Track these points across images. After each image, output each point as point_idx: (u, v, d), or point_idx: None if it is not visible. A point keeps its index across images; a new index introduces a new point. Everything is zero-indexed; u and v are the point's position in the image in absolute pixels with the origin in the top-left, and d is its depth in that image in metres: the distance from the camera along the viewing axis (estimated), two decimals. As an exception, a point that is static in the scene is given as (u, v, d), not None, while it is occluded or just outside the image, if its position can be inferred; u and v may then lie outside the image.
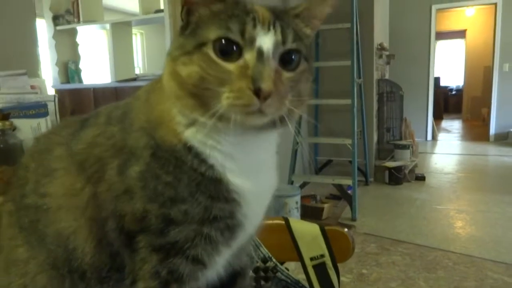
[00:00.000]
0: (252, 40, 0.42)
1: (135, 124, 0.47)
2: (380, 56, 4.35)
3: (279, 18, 0.45)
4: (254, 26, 0.42)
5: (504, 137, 6.15)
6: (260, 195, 0.49)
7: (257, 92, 0.40)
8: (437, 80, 8.27)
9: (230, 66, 0.42)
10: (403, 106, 4.78)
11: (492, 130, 6.37)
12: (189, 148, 0.45)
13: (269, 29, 0.43)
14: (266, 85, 0.40)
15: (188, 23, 0.46)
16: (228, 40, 0.42)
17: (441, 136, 7.14)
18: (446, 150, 5.92)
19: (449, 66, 10.52)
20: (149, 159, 0.45)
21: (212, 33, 0.42)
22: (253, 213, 0.49)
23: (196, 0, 0.45)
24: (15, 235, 0.54)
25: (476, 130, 7.50)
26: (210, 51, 0.42)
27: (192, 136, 0.45)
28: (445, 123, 8.98)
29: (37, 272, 0.51)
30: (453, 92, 10.70)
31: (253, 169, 0.48)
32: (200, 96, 0.43)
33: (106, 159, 0.47)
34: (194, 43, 0.43)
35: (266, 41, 0.42)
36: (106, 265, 0.48)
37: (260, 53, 0.42)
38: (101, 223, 0.47)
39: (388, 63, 4.88)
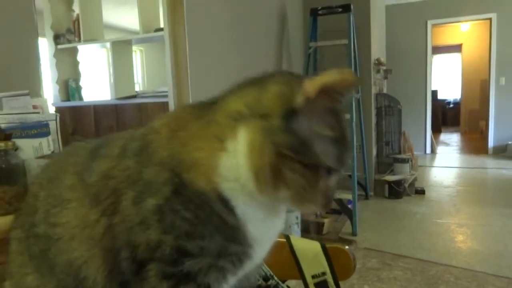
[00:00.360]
0: (341, 168, 0.47)
1: (154, 158, 0.47)
2: (378, 71, 4.40)
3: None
4: (347, 156, 0.47)
5: (503, 150, 6.17)
6: (272, 235, 0.52)
7: (323, 206, 0.47)
8: (434, 93, 8.33)
9: (322, 183, 0.46)
10: (402, 120, 4.81)
11: (491, 143, 6.40)
12: (220, 197, 0.45)
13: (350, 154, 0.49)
14: (331, 204, 0.47)
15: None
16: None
17: (440, 149, 7.15)
18: (445, 163, 5.92)
19: (446, 79, 10.62)
20: (169, 194, 0.45)
21: (328, 161, 0.45)
22: (264, 249, 0.51)
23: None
24: (24, 263, 0.54)
25: (475, 143, 7.53)
26: (321, 172, 0.45)
27: (229, 190, 0.45)
28: (443, 136, 9.01)
29: None
30: (451, 105, 10.77)
31: (272, 219, 0.50)
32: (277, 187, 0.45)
33: (121, 190, 0.47)
34: (310, 161, 0.44)
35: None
36: None
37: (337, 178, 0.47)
38: (115, 253, 0.47)
39: (385, 77, 4.93)
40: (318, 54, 3.74)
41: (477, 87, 8.55)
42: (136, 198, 0.46)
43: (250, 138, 0.44)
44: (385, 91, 4.98)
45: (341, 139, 0.46)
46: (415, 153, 4.84)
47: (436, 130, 8.42)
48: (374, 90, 4.17)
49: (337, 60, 3.66)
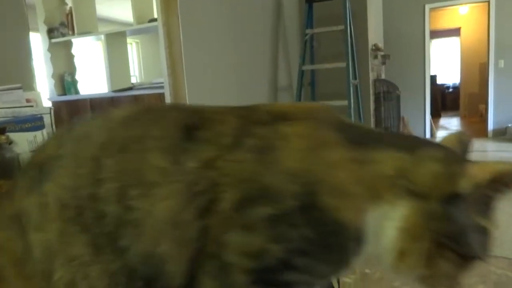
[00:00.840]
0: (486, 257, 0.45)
1: (282, 165, 0.41)
2: (375, 57, 4.37)
3: None
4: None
5: (503, 133, 6.15)
6: None
7: None
8: (433, 78, 8.28)
9: (464, 270, 0.45)
10: (400, 105, 4.79)
11: (490, 126, 6.38)
12: (357, 237, 0.42)
13: None
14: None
15: None
16: None
17: (439, 133, 7.13)
18: (445, 147, 5.92)
19: (445, 64, 10.55)
20: (293, 209, 0.41)
21: (480, 252, 0.44)
22: None
23: None
24: (70, 232, 0.45)
25: (474, 127, 7.51)
26: (469, 262, 0.44)
27: (368, 237, 0.42)
28: (443, 121, 8.99)
29: (99, 277, 0.44)
30: (450, 90, 10.72)
31: None
32: None
33: (222, 186, 0.41)
34: (465, 251, 0.42)
35: None
36: None
37: None
38: (206, 254, 0.42)
39: (383, 63, 4.90)
40: (315, 41, 3.71)
41: (476, 71, 8.50)
42: (244, 200, 0.41)
43: (408, 216, 0.40)
44: (383, 76, 4.95)
45: (491, 229, 0.43)
46: (414, 138, 4.83)
47: (436, 115, 8.40)
48: (372, 76, 4.15)
49: (334, 47, 3.63)
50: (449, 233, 0.40)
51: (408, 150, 0.43)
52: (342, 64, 3.19)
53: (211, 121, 0.46)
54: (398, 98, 4.69)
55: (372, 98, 4.18)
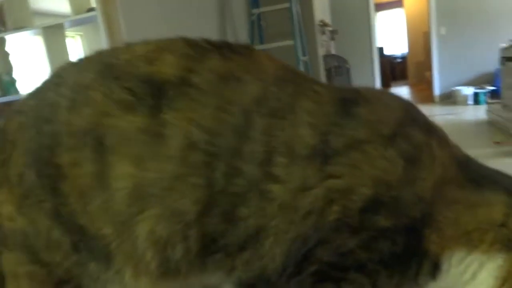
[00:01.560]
0: None
1: (418, 187, 0.41)
2: (323, 33, 4.43)
3: None
4: None
5: (448, 97, 6.48)
6: None
7: None
8: (381, 50, 8.54)
9: None
10: (351, 79, 4.92)
11: (436, 92, 6.70)
12: (436, 265, 0.43)
13: None
14: None
15: None
16: None
17: (391, 103, 7.41)
18: (397, 116, 6.17)
19: (392, 35, 10.88)
20: (401, 229, 0.41)
21: None
22: None
23: None
24: (189, 182, 0.41)
25: (422, 93, 7.85)
26: None
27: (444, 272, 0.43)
28: (394, 90, 9.31)
29: (193, 238, 0.42)
30: (399, 60, 11.10)
31: None
32: None
33: (361, 178, 0.41)
34: None
35: None
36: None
37: None
38: (302, 240, 0.41)
39: (332, 38, 4.98)
40: (262, 20, 3.70)
41: (421, 40, 8.84)
42: (373, 202, 0.40)
43: (505, 268, 0.41)
44: (333, 52, 5.05)
45: None
46: (367, 109, 4.99)
47: (386, 85, 8.70)
48: (321, 52, 4.22)
49: (282, 25, 3.65)
50: None
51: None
52: (291, 42, 3.22)
53: (371, 103, 0.44)
54: (348, 71, 4.81)
55: (323, 73, 4.26)
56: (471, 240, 0.41)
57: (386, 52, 10.50)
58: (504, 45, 4.53)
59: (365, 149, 0.41)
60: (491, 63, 5.24)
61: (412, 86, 9.49)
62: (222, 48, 0.46)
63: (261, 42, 3.65)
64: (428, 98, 6.94)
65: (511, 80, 4.28)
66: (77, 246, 0.44)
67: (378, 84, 6.80)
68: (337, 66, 4.55)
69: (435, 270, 0.43)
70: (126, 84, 0.43)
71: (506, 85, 4.45)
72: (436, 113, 5.87)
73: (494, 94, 5.60)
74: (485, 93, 5.81)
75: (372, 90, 0.48)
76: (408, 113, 0.45)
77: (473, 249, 0.41)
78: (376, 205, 0.40)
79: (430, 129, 0.46)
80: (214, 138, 0.41)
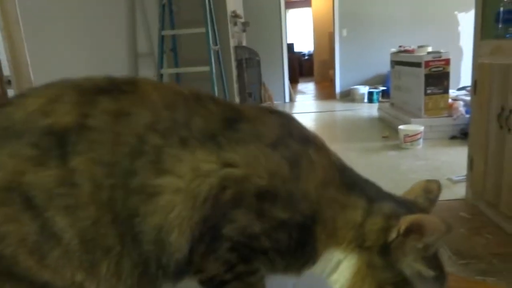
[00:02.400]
0: None
1: (304, 184, 0.47)
2: (235, 24, 4.49)
3: None
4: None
5: (347, 94, 7.05)
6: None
7: None
8: (290, 46, 8.94)
9: None
10: (261, 71, 5.08)
11: (338, 89, 7.25)
12: (319, 259, 0.51)
13: None
14: None
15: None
16: None
17: (298, 97, 7.82)
18: (303, 109, 6.53)
19: (301, 33, 11.43)
20: (297, 223, 0.47)
21: None
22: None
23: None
24: (93, 215, 0.45)
25: (326, 90, 8.43)
26: None
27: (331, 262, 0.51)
28: (300, 86, 9.84)
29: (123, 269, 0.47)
30: (306, 57, 11.72)
31: None
32: None
33: (257, 170, 0.46)
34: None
35: None
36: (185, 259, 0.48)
37: None
38: (206, 220, 0.46)
39: (244, 30, 5.07)
40: (174, 5, 3.63)
41: (326, 39, 9.45)
42: (270, 193, 0.45)
43: (356, 265, 0.47)
44: (244, 44, 5.14)
45: (439, 276, 0.47)
46: (275, 102, 5.21)
47: (294, 81, 9.14)
48: (233, 43, 4.27)
49: (194, 12, 3.61)
50: (391, 281, 0.46)
51: (370, 202, 0.50)
52: (202, 30, 3.21)
53: (252, 120, 0.51)
54: (258, 64, 4.96)
55: (234, 64, 4.33)
56: (338, 237, 0.49)
57: (296, 49, 11.01)
58: (393, 49, 5.07)
59: (257, 147, 0.48)
60: (385, 65, 5.81)
61: (317, 83, 10.10)
62: (110, 91, 0.49)
63: (172, 28, 3.57)
64: (331, 95, 7.47)
65: (398, 82, 4.82)
66: None
67: (286, 79, 7.12)
68: (248, 58, 4.66)
69: (316, 262, 0.51)
70: (29, 140, 0.44)
71: (394, 86, 5.00)
72: (337, 109, 6.37)
73: (385, 94, 6.25)
74: (378, 93, 6.45)
75: (254, 108, 0.54)
76: (284, 128, 0.51)
77: (338, 245, 0.49)
78: (272, 196, 0.46)
79: (306, 139, 0.52)
80: (113, 169, 0.45)
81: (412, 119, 4.00)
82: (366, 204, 0.50)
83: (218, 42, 3.63)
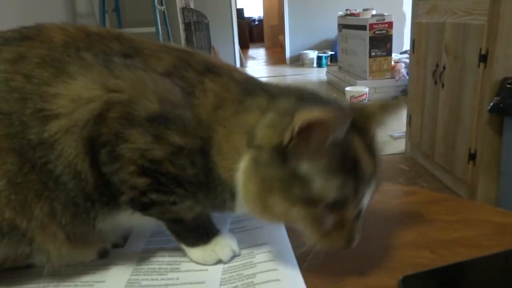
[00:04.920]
0: (360, 199, 0.44)
1: (195, 111, 0.46)
2: (181, -16, 4.33)
3: (377, 165, 0.45)
4: (364, 184, 0.43)
5: (297, 59, 7.13)
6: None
7: (347, 245, 0.45)
8: (240, 11, 8.78)
9: (330, 217, 0.44)
10: (210, 35, 4.97)
11: (288, 54, 7.30)
12: (229, 189, 0.48)
13: (370, 184, 0.44)
14: (355, 242, 0.45)
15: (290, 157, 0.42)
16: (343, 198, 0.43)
17: (249, 63, 7.78)
18: (254, 74, 6.48)
19: (250, -2, 11.23)
20: (195, 149, 0.47)
21: (330, 193, 0.42)
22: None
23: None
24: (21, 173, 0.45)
25: (276, 56, 8.45)
26: (320, 207, 0.43)
27: (237, 189, 0.48)
28: (251, 51, 9.78)
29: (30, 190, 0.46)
30: (256, 23, 11.59)
31: None
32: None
33: (147, 93, 0.46)
34: (301, 194, 0.42)
35: (366, 198, 0.45)
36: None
37: (359, 211, 0.45)
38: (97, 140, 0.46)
39: (191, -8, 4.90)
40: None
41: (276, 4, 9.37)
42: (161, 116, 0.45)
43: (245, 166, 0.45)
44: (192, 6, 4.98)
45: (350, 170, 0.42)
46: (225, 66, 5.14)
47: (245, 46, 9.06)
48: (180, 4, 4.13)
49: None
50: (279, 178, 0.43)
51: (271, 99, 0.48)
52: (146, -11, 3.07)
53: (147, 56, 0.49)
54: (207, 27, 4.84)
55: (181, 26, 4.20)
56: (235, 152, 0.46)
57: (246, 14, 10.84)
58: (341, 13, 5.16)
59: (146, 73, 0.48)
60: (333, 30, 5.91)
61: (268, 49, 10.08)
62: (14, 39, 0.49)
63: (114, -13, 3.38)
64: (281, 60, 7.50)
65: (345, 45, 4.94)
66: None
67: (236, 44, 7.03)
68: (196, 21, 4.53)
69: (233, 195, 0.49)
70: None
71: (341, 49, 5.11)
72: (287, 74, 6.42)
73: (333, 58, 6.39)
74: (326, 57, 6.57)
75: (157, 45, 0.53)
76: (182, 61, 0.51)
77: (237, 162, 0.47)
78: (165, 120, 0.45)
79: (206, 69, 0.51)
80: (11, 120, 0.45)
81: (358, 81, 4.15)
82: (265, 104, 0.47)
83: (163, 2, 3.49)
